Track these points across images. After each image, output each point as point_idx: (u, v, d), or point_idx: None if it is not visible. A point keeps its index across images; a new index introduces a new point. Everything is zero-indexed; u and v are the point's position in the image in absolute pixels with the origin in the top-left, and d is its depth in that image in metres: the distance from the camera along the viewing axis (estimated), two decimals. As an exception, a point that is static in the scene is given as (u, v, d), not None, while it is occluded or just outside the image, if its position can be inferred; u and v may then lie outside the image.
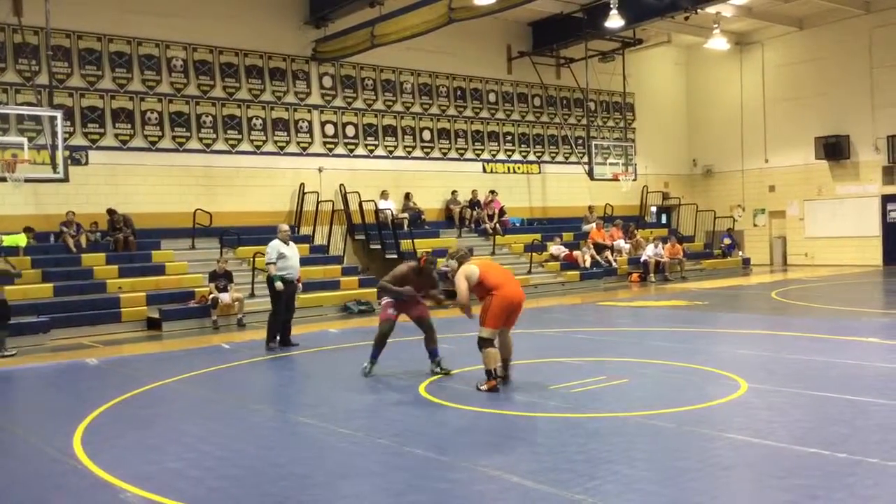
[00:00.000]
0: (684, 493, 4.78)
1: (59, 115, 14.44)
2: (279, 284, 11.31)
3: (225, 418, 7.29)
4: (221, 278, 15.12)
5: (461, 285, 7.98)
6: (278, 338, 11.56)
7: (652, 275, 22.04)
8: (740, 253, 26.14)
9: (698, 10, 20.58)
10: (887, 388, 7.47)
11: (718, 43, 24.40)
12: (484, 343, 7.88)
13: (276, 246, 11.52)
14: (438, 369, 8.81)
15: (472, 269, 8.03)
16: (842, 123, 24.97)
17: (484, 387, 7.85)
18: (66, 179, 15.10)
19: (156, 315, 14.78)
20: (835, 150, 24.92)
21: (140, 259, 16.58)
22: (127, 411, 7.73)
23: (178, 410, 7.81)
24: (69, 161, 15.85)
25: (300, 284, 12.00)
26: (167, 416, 7.47)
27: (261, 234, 18.52)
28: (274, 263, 11.44)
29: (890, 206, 24.43)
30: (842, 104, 24.94)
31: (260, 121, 19.64)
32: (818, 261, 25.73)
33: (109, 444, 6.41)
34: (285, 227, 11.88)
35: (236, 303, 15.03)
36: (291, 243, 11.75)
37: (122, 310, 14.84)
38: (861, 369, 8.45)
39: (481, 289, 7.96)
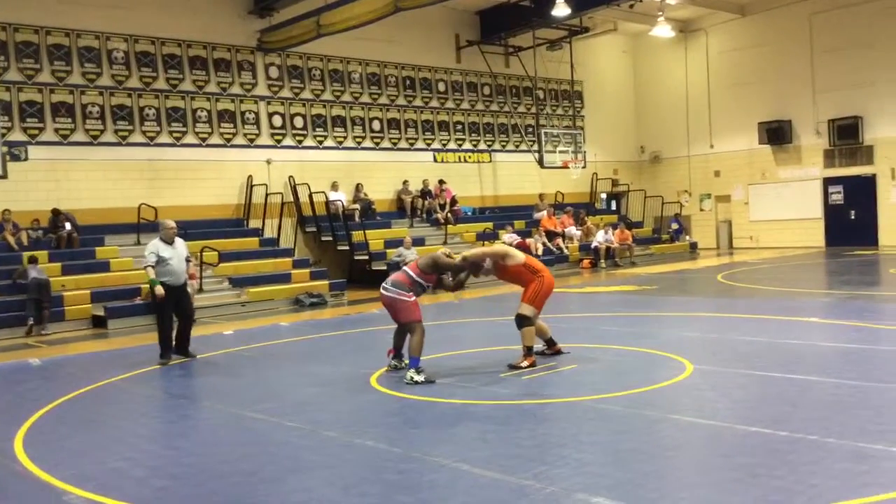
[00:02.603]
0: (631, 474, 4.84)
1: (-5, 109, 14.04)
2: (159, 290, 9.93)
3: (171, 416, 7.19)
4: (168, 274, 14.85)
5: (492, 255, 8.38)
6: (171, 348, 10.24)
7: (602, 261, 22.28)
8: (687, 237, 26.60)
9: (643, -2, 20.79)
10: (828, 367, 7.67)
11: (663, 30, 24.69)
12: (527, 321, 8.22)
13: (154, 247, 10.06)
14: (402, 365, 8.48)
15: (518, 254, 8.46)
16: (784, 108, 25.49)
17: (525, 363, 8.11)
18: (4, 176, 14.65)
19: (101, 313, 14.50)
20: (777, 134, 25.43)
21: (83, 256, 16.21)
22: (71, 412, 7.56)
23: (123, 409, 7.66)
24: (8, 157, 15.41)
25: (194, 282, 10.81)
26: (112, 416, 7.33)
27: (208, 228, 18.35)
28: (152, 266, 9.98)
29: (831, 189, 25.03)
30: (784, 89, 25.45)
31: (205, 113, 19.31)
32: (763, 243, 26.27)
33: (53, 446, 6.27)
34: (170, 223, 10.46)
35: (184, 298, 14.77)
36: (179, 241, 10.37)
37: (66, 308, 14.53)
38: (803, 349, 8.65)
39: (527, 271, 8.37)
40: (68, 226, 16.33)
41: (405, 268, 8.30)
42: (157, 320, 10.43)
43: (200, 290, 15.85)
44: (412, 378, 7.75)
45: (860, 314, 11.00)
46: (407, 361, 8.51)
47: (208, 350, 10.95)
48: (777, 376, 7.27)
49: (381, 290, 8.19)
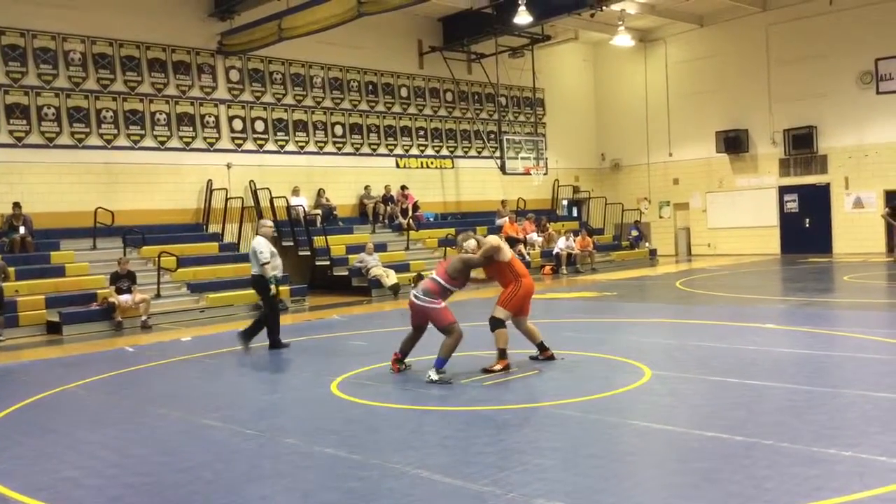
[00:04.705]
0: (589, 479, 4.88)
1: (-54, 110, 13.70)
2: (274, 289, 10.57)
3: (127, 424, 7.06)
4: (124, 279, 14.66)
5: (491, 246, 8.25)
6: (250, 340, 10.80)
7: (564, 267, 22.43)
8: (647, 244, 26.89)
9: (603, 8, 21.01)
10: (783, 372, 7.81)
11: (623, 40, 25.03)
12: (499, 324, 8.24)
13: (265, 245, 10.62)
14: (405, 367, 8.59)
15: (507, 251, 8.42)
16: (741, 118, 25.95)
17: (498, 366, 8.16)
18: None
19: (56, 319, 14.21)
20: (734, 143, 25.86)
21: (38, 260, 15.87)
22: (23, 419, 7.40)
23: (77, 417, 7.51)
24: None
25: None
26: (66, 424, 7.18)
27: (167, 233, 18.10)
28: (269, 263, 10.56)
29: (787, 197, 25.51)
30: (741, 99, 25.91)
31: (164, 115, 19.07)
32: (720, 250, 26.68)
33: (4, 455, 6.13)
34: (269, 222, 11.33)
35: (141, 304, 14.58)
36: None
37: (20, 314, 14.20)
38: (759, 354, 8.80)
39: (509, 271, 8.34)
40: (23, 229, 15.99)
41: (434, 275, 8.27)
42: (264, 314, 10.88)
43: (158, 296, 15.65)
44: (430, 376, 7.87)
45: (815, 321, 11.22)
46: (410, 364, 8.63)
47: (165, 357, 10.81)
48: (733, 382, 7.37)
49: (412, 298, 8.22)
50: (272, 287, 10.57)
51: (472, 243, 8.42)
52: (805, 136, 24.62)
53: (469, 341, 8.45)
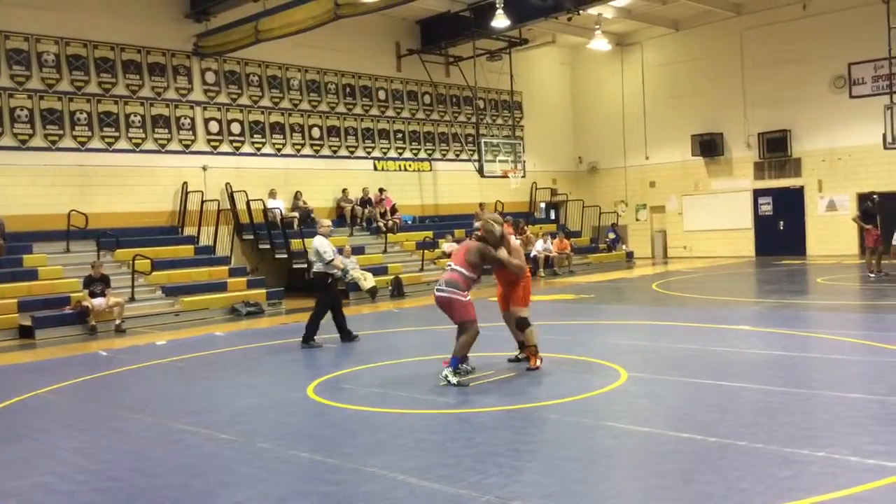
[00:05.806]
0: (565, 482, 4.88)
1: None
2: (356, 274, 11.11)
3: (100, 428, 6.98)
4: (97, 283, 14.50)
5: (515, 265, 8.25)
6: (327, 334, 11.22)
7: (541, 269, 22.49)
8: (624, 247, 27.05)
9: (580, 12, 21.12)
10: (756, 374, 7.86)
11: (600, 44, 25.16)
12: (526, 322, 8.35)
13: (327, 243, 11.34)
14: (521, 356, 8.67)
15: (521, 252, 8.51)
16: (716, 121, 26.17)
17: (539, 362, 8.31)
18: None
19: (28, 323, 14.03)
20: (710, 146, 26.09)
21: (10, 264, 15.65)
22: (-7, 425, 7.29)
23: (49, 422, 7.41)
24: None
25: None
26: (37, 429, 7.08)
27: (141, 236, 17.94)
28: (333, 260, 11.26)
29: (761, 200, 25.77)
30: (716, 103, 26.13)
31: (139, 117, 18.89)
32: (696, 253, 26.89)
33: (-28, 462, 6.03)
34: (328, 222, 12.09)
35: (115, 308, 14.44)
36: None
37: (-9, 318, 14.02)
38: (733, 356, 8.87)
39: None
40: (-6, 232, 15.79)
41: (455, 266, 8.06)
42: (324, 309, 11.08)
43: (132, 300, 15.51)
44: (447, 378, 7.73)
45: (789, 322, 11.32)
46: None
47: (140, 361, 10.69)
48: (708, 383, 7.42)
49: (436, 292, 8.04)
50: (352, 275, 11.09)
51: (498, 229, 8.19)
52: (779, 139, 24.87)
53: (445, 345, 8.41)
